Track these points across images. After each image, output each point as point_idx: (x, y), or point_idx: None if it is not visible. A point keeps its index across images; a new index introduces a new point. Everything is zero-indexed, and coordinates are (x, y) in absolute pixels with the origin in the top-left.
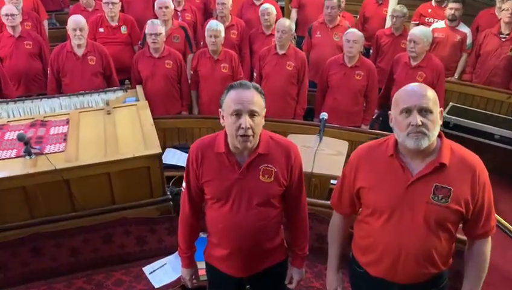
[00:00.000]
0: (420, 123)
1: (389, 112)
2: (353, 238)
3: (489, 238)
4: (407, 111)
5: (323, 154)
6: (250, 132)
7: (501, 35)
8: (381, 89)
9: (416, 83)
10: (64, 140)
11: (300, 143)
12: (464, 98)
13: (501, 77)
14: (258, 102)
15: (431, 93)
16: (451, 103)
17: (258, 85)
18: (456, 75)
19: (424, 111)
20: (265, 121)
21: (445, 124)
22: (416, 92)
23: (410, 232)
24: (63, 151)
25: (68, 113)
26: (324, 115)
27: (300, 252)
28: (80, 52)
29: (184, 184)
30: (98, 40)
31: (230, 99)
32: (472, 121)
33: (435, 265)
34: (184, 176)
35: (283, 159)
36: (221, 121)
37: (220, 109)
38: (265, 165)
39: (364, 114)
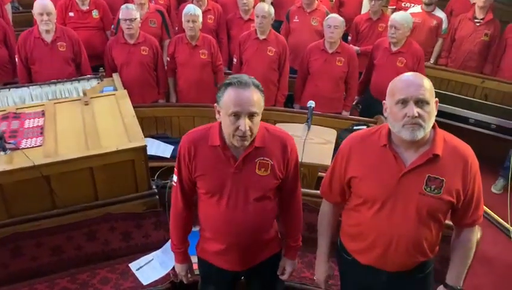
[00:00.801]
0: (417, 115)
1: (383, 101)
2: (341, 226)
3: (477, 226)
4: (404, 102)
5: (312, 144)
6: (248, 133)
7: (475, 20)
8: (361, 74)
9: (411, 72)
10: (41, 133)
11: (289, 132)
12: (439, 82)
13: (476, 62)
14: (257, 102)
15: (428, 83)
16: None
17: (257, 82)
18: (432, 60)
19: (421, 102)
20: None
21: None
22: (413, 82)
23: (402, 222)
24: (40, 145)
25: (43, 104)
26: (311, 103)
27: (294, 244)
28: (48, 38)
29: (175, 178)
30: (68, 25)
31: (228, 99)
32: (448, 105)
33: (424, 254)
34: (175, 169)
35: (279, 151)
36: (217, 116)
37: (215, 104)
38: (262, 158)
39: (345, 100)
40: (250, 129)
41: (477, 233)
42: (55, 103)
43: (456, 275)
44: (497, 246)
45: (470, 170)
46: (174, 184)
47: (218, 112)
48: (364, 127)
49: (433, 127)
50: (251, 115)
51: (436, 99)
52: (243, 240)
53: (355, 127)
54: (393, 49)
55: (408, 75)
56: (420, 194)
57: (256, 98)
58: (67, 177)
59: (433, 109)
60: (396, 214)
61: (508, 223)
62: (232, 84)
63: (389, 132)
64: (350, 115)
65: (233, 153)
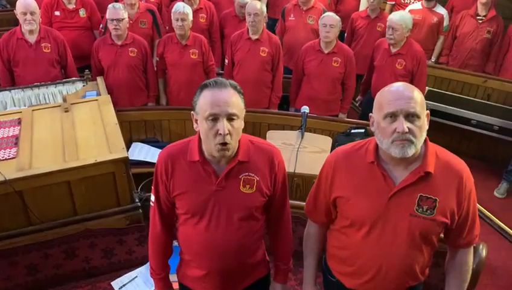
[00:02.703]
0: (407, 130)
1: (370, 114)
2: (327, 247)
3: (472, 247)
4: (392, 116)
5: (305, 152)
6: (228, 139)
7: (478, 17)
8: (358, 75)
9: (401, 82)
10: (16, 144)
11: (281, 140)
12: (440, 82)
13: (477, 60)
14: (236, 103)
15: (418, 94)
16: (427, 88)
17: (235, 83)
18: (433, 58)
19: (411, 116)
20: None
21: None
22: (402, 94)
23: (393, 247)
24: (14, 157)
25: (20, 112)
26: (305, 109)
27: (284, 267)
28: (32, 39)
29: (153, 197)
30: (54, 25)
31: (204, 102)
32: (449, 106)
33: (415, 278)
34: (152, 188)
35: (266, 166)
36: (195, 125)
37: (192, 112)
38: (246, 173)
39: (342, 102)
40: (230, 134)
41: (471, 254)
42: (33, 110)
43: None
44: (501, 253)
45: (465, 188)
46: (152, 204)
47: (196, 120)
48: (362, 130)
49: (425, 141)
50: (230, 118)
51: (428, 111)
52: (226, 265)
53: (352, 131)
54: (393, 50)
55: (397, 86)
56: (411, 216)
57: (235, 99)
58: (42, 192)
59: (424, 122)
60: (386, 238)
61: (511, 229)
62: (207, 86)
63: (377, 147)
64: (348, 117)
65: (214, 169)
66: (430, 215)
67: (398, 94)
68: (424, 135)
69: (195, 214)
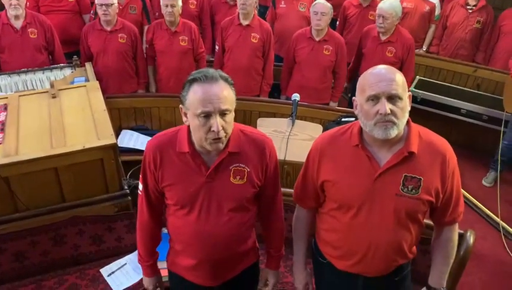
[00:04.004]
0: (389, 112)
1: (353, 98)
2: (317, 229)
3: (457, 224)
4: (375, 98)
5: (296, 140)
6: (222, 134)
7: (468, 7)
8: (349, 64)
9: (383, 65)
10: (2, 130)
11: (271, 128)
12: (430, 71)
13: (467, 50)
14: (228, 97)
15: (399, 77)
16: (418, 77)
17: (226, 75)
18: (424, 47)
19: (393, 98)
20: None
21: (413, 99)
22: (384, 76)
23: (380, 227)
24: (0, 143)
25: (6, 97)
26: (296, 96)
27: (276, 254)
28: (18, 24)
29: (140, 186)
30: (42, 9)
31: (195, 98)
32: (439, 95)
33: (404, 256)
34: (140, 177)
35: (256, 156)
36: (184, 119)
37: (181, 106)
38: (237, 164)
39: (333, 90)
40: (224, 129)
41: (457, 231)
42: (20, 96)
43: (438, 275)
44: (487, 241)
45: (448, 166)
46: (140, 193)
47: (185, 114)
48: (353, 119)
49: (407, 122)
50: (223, 113)
51: (409, 93)
52: (216, 255)
53: (343, 119)
54: (382, 38)
55: (379, 68)
56: (397, 196)
57: (226, 93)
58: (29, 178)
59: (406, 104)
60: (373, 219)
61: (498, 217)
62: (197, 80)
63: (361, 130)
64: (338, 105)
65: (204, 160)
66: (415, 194)
67: (379, 77)
68: (407, 116)
69: (185, 206)
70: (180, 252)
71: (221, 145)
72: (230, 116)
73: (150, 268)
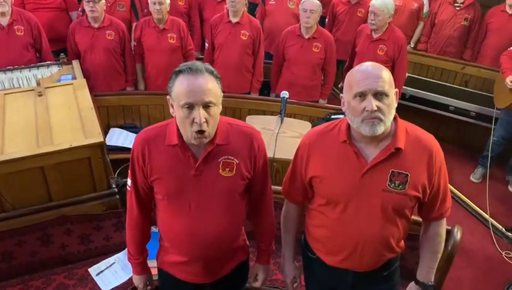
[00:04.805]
0: (376, 108)
1: (341, 94)
2: (306, 225)
3: (444, 219)
4: (362, 95)
5: (285, 137)
6: (205, 126)
7: (456, 4)
8: (338, 61)
9: (369, 62)
10: None
11: (260, 125)
12: (419, 68)
13: (455, 47)
14: (213, 90)
15: (386, 74)
16: (406, 74)
17: (211, 68)
18: (412, 44)
19: (380, 95)
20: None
21: (402, 96)
22: (371, 73)
23: (368, 222)
24: None
25: None
26: (285, 94)
27: (266, 249)
28: (4, 21)
29: (129, 182)
30: (27, 6)
31: (180, 89)
32: (428, 92)
33: (392, 250)
34: (129, 173)
35: (245, 148)
36: (171, 110)
37: (168, 97)
38: (226, 157)
39: (322, 88)
40: (207, 121)
41: (444, 226)
42: (5, 94)
43: (426, 270)
44: (476, 237)
45: (435, 162)
46: (129, 189)
47: (172, 105)
48: (342, 116)
49: (394, 119)
50: (207, 106)
51: (396, 90)
52: (207, 251)
53: (332, 116)
54: (374, 36)
55: (366, 65)
56: (384, 191)
57: (211, 86)
58: (16, 177)
59: (393, 100)
60: (361, 214)
61: (486, 213)
62: (182, 72)
63: (349, 126)
64: (328, 103)
65: (193, 153)
66: (402, 190)
67: (366, 74)
68: (393, 112)
69: (174, 199)
70: (169, 249)
71: (206, 140)
72: (215, 110)
73: (140, 266)
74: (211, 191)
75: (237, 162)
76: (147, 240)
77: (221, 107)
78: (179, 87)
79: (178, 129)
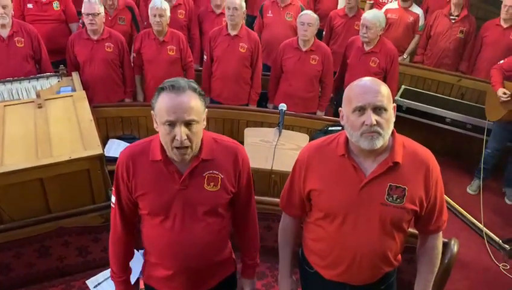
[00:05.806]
0: (375, 123)
1: (340, 108)
2: (303, 239)
3: (441, 232)
4: (361, 109)
5: (283, 150)
6: (187, 143)
7: (451, 17)
8: (335, 73)
9: (368, 77)
10: None
11: (259, 137)
12: (416, 80)
13: (451, 59)
14: (195, 108)
15: (385, 89)
16: (403, 86)
17: (195, 85)
18: (405, 55)
19: (379, 109)
20: (218, 109)
21: (398, 108)
22: (369, 88)
23: (366, 235)
24: None
25: None
26: (283, 106)
27: (250, 262)
28: (4, 33)
29: (113, 199)
30: (27, 18)
31: (161, 106)
32: (424, 104)
33: (389, 264)
34: (113, 189)
35: (230, 163)
36: (155, 125)
37: (152, 112)
38: (210, 171)
39: (320, 100)
40: (189, 139)
41: (441, 239)
42: (5, 106)
43: (423, 283)
44: (472, 249)
45: (432, 175)
46: (113, 206)
47: (156, 121)
48: (340, 128)
49: (392, 133)
50: (188, 123)
51: (394, 104)
52: (192, 265)
53: (330, 128)
54: (366, 48)
55: (365, 80)
56: (382, 205)
57: (193, 104)
58: (14, 189)
59: (391, 115)
60: (359, 228)
61: (481, 224)
62: (164, 89)
63: (347, 140)
64: (325, 115)
65: (177, 168)
66: (399, 203)
67: (365, 88)
68: (391, 127)
69: (159, 214)
70: (155, 263)
71: (187, 157)
72: (197, 127)
73: (124, 284)
74: (195, 205)
75: (222, 176)
76: (130, 257)
77: (205, 123)
78: (161, 104)
79: (161, 145)
